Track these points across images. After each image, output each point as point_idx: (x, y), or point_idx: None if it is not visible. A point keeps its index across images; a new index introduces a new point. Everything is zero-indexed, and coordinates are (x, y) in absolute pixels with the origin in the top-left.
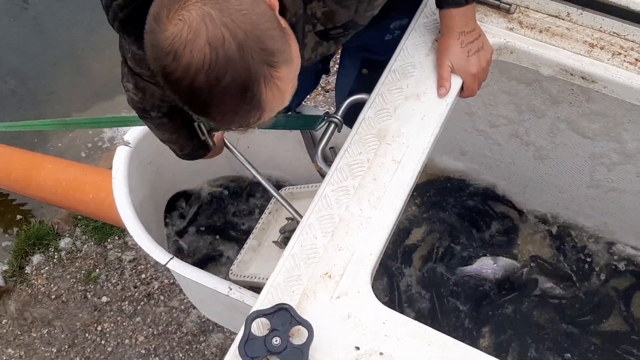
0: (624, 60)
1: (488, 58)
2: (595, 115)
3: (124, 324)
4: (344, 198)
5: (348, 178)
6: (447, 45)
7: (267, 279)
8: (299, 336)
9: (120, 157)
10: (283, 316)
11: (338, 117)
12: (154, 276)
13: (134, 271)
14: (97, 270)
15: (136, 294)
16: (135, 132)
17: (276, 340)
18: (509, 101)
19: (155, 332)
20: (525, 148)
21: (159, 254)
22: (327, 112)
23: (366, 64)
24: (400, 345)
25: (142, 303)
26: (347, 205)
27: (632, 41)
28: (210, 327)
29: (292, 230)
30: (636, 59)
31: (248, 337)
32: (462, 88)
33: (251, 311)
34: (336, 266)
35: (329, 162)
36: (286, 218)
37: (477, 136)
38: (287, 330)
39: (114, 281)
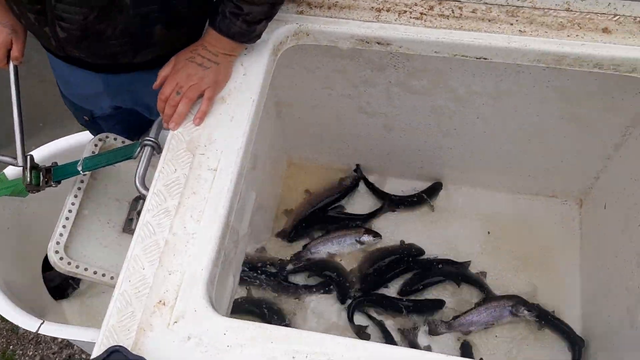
0: (410, 17)
1: (207, 79)
2: (419, 72)
3: None
4: (166, 220)
5: (167, 199)
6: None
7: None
8: None
9: None
10: (117, 359)
11: (152, 138)
12: None
13: (49, 337)
14: (11, 347)
15: (57, 359)
16: None
17: None
18: (343, 78)
19: None
20: (374, 120)
21: (28, 322)
22: (142, 137)
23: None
24: (244, 350)
25: None
26: (170, 226)
27: None
28: None
29: None
30: (421, 13)
31: None
32: None
33: None
34: (168, 292)
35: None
36: (134, 199)
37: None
38: None
39: (30, 354)
